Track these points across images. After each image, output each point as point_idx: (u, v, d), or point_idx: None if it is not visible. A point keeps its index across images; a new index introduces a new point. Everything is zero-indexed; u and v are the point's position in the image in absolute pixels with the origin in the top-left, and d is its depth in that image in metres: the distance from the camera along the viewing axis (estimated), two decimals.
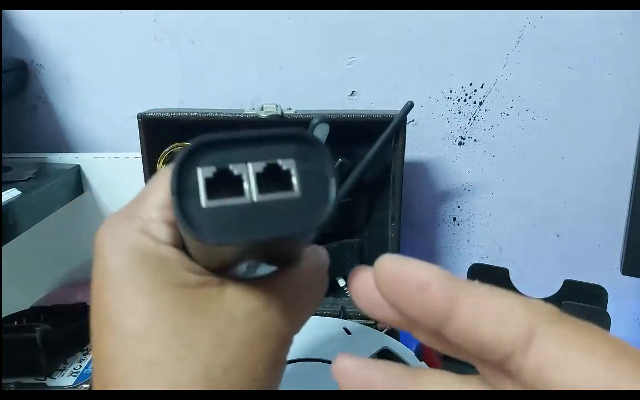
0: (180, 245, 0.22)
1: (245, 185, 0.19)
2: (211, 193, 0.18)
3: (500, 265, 0.68)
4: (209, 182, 0.18)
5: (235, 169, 0.19)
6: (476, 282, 0.18)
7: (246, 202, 0.18)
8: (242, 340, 0.20)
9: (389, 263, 0.18)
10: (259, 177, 0.19)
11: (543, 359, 0.16)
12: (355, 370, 0.20)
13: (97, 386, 0.20)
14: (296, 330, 0.23)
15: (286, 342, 0.22)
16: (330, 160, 0.19)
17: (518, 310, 0.17)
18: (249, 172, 0.19)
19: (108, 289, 0.21)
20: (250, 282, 0.22)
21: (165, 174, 0.23)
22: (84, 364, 0.62)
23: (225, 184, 0.18)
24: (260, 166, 0.19)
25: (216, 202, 0.18)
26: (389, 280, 0.18)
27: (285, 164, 0.19)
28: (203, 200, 0.18)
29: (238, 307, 0.21)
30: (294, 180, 0.19)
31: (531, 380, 0.16)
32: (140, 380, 0.19)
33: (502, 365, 0.17)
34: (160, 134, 0.65)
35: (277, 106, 0.64)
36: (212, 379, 0.19)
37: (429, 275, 0.18)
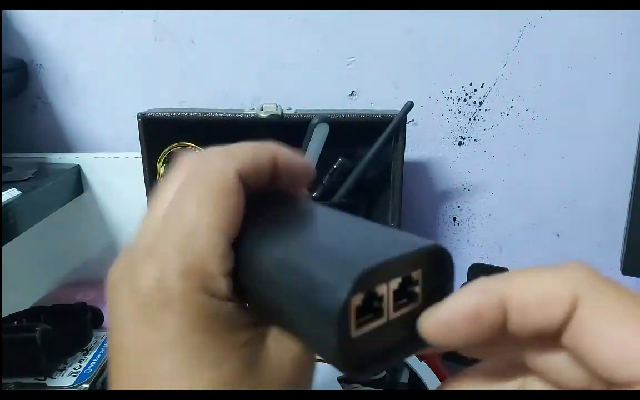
0: (232, 293, 0.19)
1: (384, 305, 0.17)
2: (358, 319, 0.17)
3: (500, 265, 0.68)
4: (357, 309, 0.17)
5: (379, 289, 0.17)
6: (510, 272, 0.18)
7: (384, 321, 0.18)
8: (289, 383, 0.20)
9: (434, 316, 0.18)
10: (395, 293, 0.18)
11: (583, 330, 0.17)
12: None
13: None
14: None
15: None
16: (453, 276, 0.20)
17: (560, 284, 0.17)
18: (389, 291, 0.18)
19: (159, 353, 0.18)
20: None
21: (209, 198, 0.19)
22: (83, 364, 0.62)
23: (369, 306, 0.17)
24: (397, 283, 0.18)
25: (363, 329, 0.17)
26: (445, 330, 0.18)
27: (414, 274, 0.18)
28: (353, 331, 0.17)
29: (285, 352, 0.20)
30: (418, 289, 0.18)
31: (572, 349, 0.17)
32: None
33: (555, 340, 0.18)
34: (160, 134, 0.65)
35: (277, 106, 0.64)
36: None
37: (470, 303, 0.18)
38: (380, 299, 0.17)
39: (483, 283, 0.18)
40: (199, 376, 0.18)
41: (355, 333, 0.17)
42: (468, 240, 0.79)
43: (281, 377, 0.19)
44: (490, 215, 0.78)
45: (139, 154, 0.66)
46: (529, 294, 0.17)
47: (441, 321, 0.18)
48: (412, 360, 0.51)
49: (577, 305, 0.17)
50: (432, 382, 0.48)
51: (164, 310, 0.18)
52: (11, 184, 0.63)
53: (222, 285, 0.19)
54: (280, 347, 0.20)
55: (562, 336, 0.17)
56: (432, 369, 0.51)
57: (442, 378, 0.52)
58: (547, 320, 0.17)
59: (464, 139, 0.75)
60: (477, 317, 0.17)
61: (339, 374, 0.48)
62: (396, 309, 0.18)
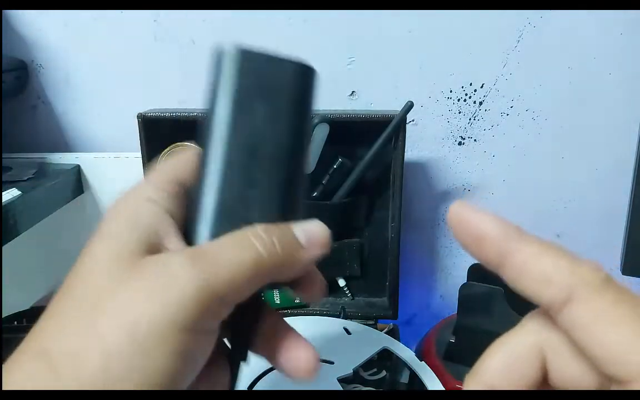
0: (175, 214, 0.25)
1: None
2: None
3: None
4: None
5: None
6: (533, 236, 0.20)
7: None
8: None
9: (458, 209, 0.21)
10: None
11: (572, 323, 0.18)
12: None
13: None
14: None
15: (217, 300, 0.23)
16: None
17: (562, 272, 0.19)
18: None
19: (91, 244, 0.25)
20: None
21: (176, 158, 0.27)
22: None
23: None
24: None
25: None
26: (456, 225, 0.21)
27: None
28: None
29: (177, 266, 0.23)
30: None
31: (564, 330, 0.19)
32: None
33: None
34: (160, 134, 0.65)
35: None
36: (136, 335, 0.20)
37: (485, 228, 0.20)
38: None
39: (507, 228, 0.20)
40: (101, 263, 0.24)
41: None
42: None
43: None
44: None
45: (139, 154, 0.66)
46: (530, 263, 0.19)
47: (462, 219, 0.21)
48: (412, 360, 0.51)
49: (571, 298, 0.18)
50: (432, 382, 0.48)
51: (111, 213, 0.26)
52: (11, 184, 0.63)
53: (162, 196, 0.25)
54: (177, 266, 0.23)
55: (558, 317, 0.19)
56: (432, 369, 0.51)
57: (442, 378, 0.52)
58: (538, 294, 0.19)
59: (464, 139, 0.75)
60: (482, 240, 0.20)
61: (339, 374, 0.48)
62: None
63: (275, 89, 0.26)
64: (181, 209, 0.25)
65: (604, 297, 0.18)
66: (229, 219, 0.24)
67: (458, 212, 0.21)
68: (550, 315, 0.19)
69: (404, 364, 0.52)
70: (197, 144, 0.26)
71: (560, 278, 0.18)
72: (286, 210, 0.26)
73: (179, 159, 0.27)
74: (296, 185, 0.26)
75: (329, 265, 0.69)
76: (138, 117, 0.64)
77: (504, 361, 0.20)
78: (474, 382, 0.20)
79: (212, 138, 0.25)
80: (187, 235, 0.25)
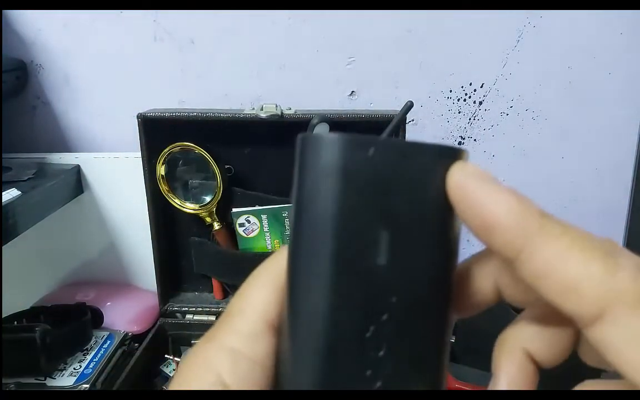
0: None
1: None
2: None
3: None
4: None
5: None
6: (558, 225, 0.16)
7: None
8: None
9: (461, 179, 0.16)
10: None
11: (603, 343, 0.14)
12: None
13: None
14: None
15: None
16: None
17: (593, 281, 0.14)
18: None
19: None
20: None
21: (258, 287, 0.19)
22: (83, 364, 0.62)
23: None
24: None
25: None
26: (459, 201, 0.16)
27: None
28: None
29: None
30: None
31: (594, 350, 0.15)
32: None
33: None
34: (160, 134, 0.65)
35: (277, 106, 0.64)
36: None
37: (497, 213, 0.15)
38: None
39: (524, 212, 0.16)
40: None
41: None
42: (468, 240, 0.79)
43: None
44: None
45: (139, 154, 0.66)
46: (553, 264, 0.15)
47: (467, 195, 0.16)
48: None
49: (603, 314, 0.14)
50: None
51: (188, 381, 0.18)
52: (11, 184, 0.63)
53: (244, 367, 0.18)
54: None
55: (583, 330, 0.15)
56: None
57: None
58: (559, 305, 0.15)
59: (464, 138, 0.75)
60: (492, 229, 0.16)
61: None
62: None
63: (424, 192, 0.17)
64: (272, 350, 0.19)
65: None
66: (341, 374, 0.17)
67: (462, 185, 0.16)
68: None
69: None
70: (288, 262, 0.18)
71: (590, 288, 0.14)
72: (429, 376, 0.17)
73: (269, 285, 0.19)
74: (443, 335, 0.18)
75: None
76: (138, 117, 0.64)
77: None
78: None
79: (317, 262, 0.17)
80: (278, 379, 0.18)
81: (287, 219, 0.68)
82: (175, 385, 0.18)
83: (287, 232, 0.68)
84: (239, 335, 0.18)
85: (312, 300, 0.17)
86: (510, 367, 0.18)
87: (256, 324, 0.18)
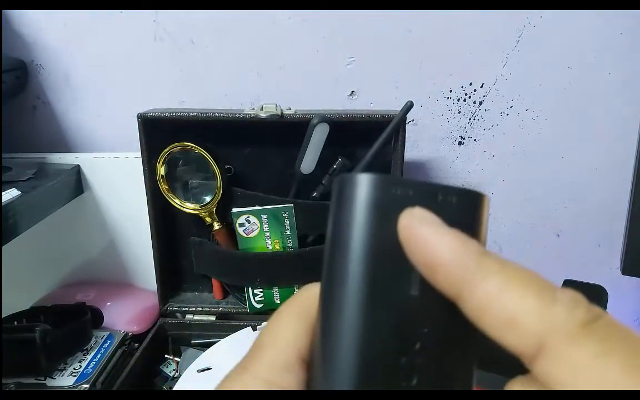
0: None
1: None
2: None
3: None
4: None
5: None
6: (496, 262, 0.16)
7: None
8: None
9: (407, 222, 0.17)
10: None
11: (547, 379, 0.15)
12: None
13: None
14: None
15: None
16: None
17: (529, 314, 0.15)
18: None
19: None
20: None
21: (286, 321, 0.20)
22: (83, 364, 0.62)
23: None
24: None
25: None
26: (406, 242, 0.17)
27: None
28: None
29: None
30: None
31: (540, 380, 0.15)
32: None
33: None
34: (160, 134, 0.65)
35: (277, 106, 0.64)
36: None
37: (438, 253, 0.16)
38: None
39: (464, 254, 0.16)
40: None
41: None
42: None
43: None
44: (490, 215, 0.78)
45: (139, 154, 0.66)
46: (491, 300, 0.15)
47: (412, 236, 0.17)
48: None
49: (542, 348, 0.15)
50: None
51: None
52: (11, 184, 0.63)
53: None
54: None
55: (531, 367, 0.15)
56: None
57: None
58: (501, 341, 0.15)
59: (464, 138, 0.75)
60: (435, 268, 0.16)
61: None
62: None
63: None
64: (303, 384, 0.19)
65: (583, 349, 0.14)
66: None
67: (407, 226, 0.17)
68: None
69: None
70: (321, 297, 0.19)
71: (528, 322, 0.15)
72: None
73: (298, 318, 0.20)
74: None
75: None
76: (138, 117, 0.64)
77: None
78: None
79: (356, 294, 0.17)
80: None
81: (287, 219, 0.68)
82: None
83: (287, 232, 0.68)
84: (272, 367, 0.19)
85: (346, 328, 0.17)
86: None
87: (288, 356, 0.19)
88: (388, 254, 0.17)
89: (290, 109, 0.65)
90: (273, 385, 0.18)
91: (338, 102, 0.74)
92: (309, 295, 0.20)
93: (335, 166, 0.66)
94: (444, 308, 0.17)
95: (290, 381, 0.19)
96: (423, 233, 0.17)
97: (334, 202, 0.19)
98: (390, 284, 0.17)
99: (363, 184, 0.18)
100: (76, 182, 0.73)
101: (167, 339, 0.72)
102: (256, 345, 0.20)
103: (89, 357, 0.63)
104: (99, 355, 0.63)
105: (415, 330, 0.17)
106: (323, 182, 0.67)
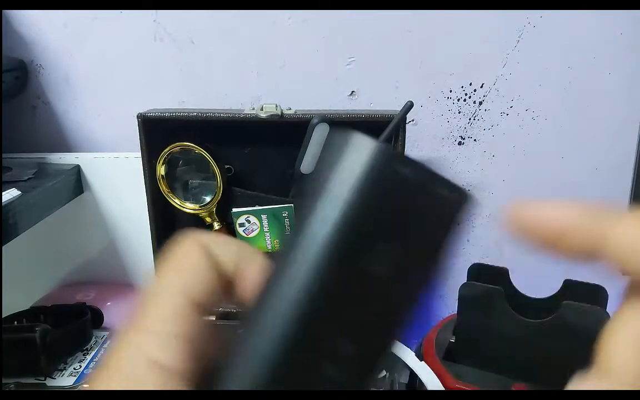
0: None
1: None
2: None
3: (500, 266, 0.68)
4: None
5: None
6: (613, 210, 0.17)
7: None
8: None
9: (520, 212, 0.18)
10: None
11: None
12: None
13: None
14: None
15: None
16: None
17: None
18: None
19: None
20: None
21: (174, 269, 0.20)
22: (83, 364, 0.62)
23: None
24: None
25: None
26: (525, 229, 0.18)
27: None
28: None
29: None
30: None
31: None
32: None
33: None
34: (160, 134, 0.65)
35: (277, 106, 0.64)
36: None
37: (566, 220, 0.17)
38: None
39: (589, 207, 0.17)
40: None
41: None
42: (468, 240, 0.79)
43: None
44: (490, 215, 0.78)
45: (139, 154, 0.66)
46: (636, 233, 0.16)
47: (531, 220, 0.18)
48: (412, 360, 0.51)
49: None
50: (432, 382, 0.48)
51: (113, 374, 0.18)
52: (11, 184, 0.63)
53: (170, 354, 0.18)
54: None
55: None
56: (432, 369, 0.51)
57: (442, 378, 0.52)
58: None
59: (464, 138, 0.75)
60: (564, 236, 0.17)
61: None
62: None
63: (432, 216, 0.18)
64: (202, 329, 0.19)
65: None
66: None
67: (522, 216, 0.18)
68: None
69: (403, 364, 0.52)
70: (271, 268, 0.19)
71: None
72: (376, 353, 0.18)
73: (188, 276, 0.20)
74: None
75: None
76: (138, 117, 0.64)
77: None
78: (601, 381, 0.16)
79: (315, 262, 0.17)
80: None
81: (287, 219, 0.68)
82: (104, 372, 0.18)
83: (288, 232, 0.68)
84: (162, 318, 0.19)
85: (296, 279, 0.17)
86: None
87: (178, 303, 0.19)
88: (366, 225, 0.17)
89: (290, 109, 0.65)
90: (166, 334, 0.18)
91: (338, 102, 0.74)
92: (193, 241, 0.20)
93: None
94: (406, 291, 0.17)
95: (185, 328, 0.19)
96: (543, 212, 0.18)
97: (332, 154, 0.17)
98: (358, 254, 0.17)
99: (367, 149, 0.17)
100: (76, 182, 0.73)
101: None
102: (144, 300, 0.20)
103: (89, 357, 0.63)
104: (99, 355, 0.63)
105: (366, 306, 0.17)
106: None
